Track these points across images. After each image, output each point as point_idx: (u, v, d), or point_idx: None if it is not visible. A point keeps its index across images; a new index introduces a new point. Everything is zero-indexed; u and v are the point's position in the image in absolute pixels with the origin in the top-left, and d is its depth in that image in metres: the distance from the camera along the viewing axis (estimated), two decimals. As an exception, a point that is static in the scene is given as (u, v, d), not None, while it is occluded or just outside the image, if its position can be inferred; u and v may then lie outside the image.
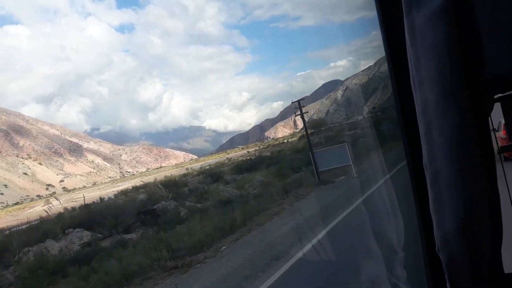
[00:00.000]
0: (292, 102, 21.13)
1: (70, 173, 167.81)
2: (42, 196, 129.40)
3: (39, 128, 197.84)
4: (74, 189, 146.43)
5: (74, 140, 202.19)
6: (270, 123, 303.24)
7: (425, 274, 1.06)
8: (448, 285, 0.79)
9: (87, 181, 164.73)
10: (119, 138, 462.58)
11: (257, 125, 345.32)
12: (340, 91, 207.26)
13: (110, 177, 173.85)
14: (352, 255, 6.17)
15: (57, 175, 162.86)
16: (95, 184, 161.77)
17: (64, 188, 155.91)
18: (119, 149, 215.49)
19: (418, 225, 1.03)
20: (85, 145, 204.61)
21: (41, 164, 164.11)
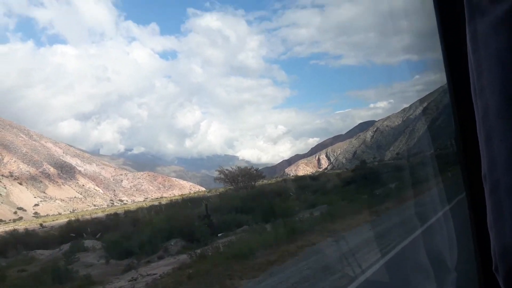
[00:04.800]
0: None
1: (50, 197, 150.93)
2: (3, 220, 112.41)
3: (41, 145, 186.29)
4: (47, 215, 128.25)
5: (73, 160, 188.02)
6: (299, 158, 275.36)
7: None
8: None
9: (66, 208, 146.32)
10: (152, 160, 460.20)
11: (286, 160, 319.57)
12: (370, 132, 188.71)
13: (95, 205, 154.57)
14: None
15: (35, 197, 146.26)
16: (73, 211, 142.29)
17: (35, 213, 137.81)
18: (121, 174, 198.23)
19: (473, 244, 1.00)
20: (85, 166, 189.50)
21: (21, 184, 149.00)
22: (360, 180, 23.57)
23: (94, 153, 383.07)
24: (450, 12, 0.93)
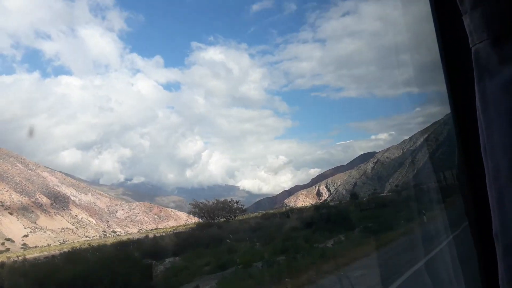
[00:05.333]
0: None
1: (41, 228, 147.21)
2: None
3: (37, 174, 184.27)
4: (35, 247, 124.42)
5: (68, 190, 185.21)
6: (300, 189, 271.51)
7: None
8: None
9: (57, 239, 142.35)
10: (152, 190, 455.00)
11: (286, 190, 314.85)
12: (370, 163, 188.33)
13: (87, 236, 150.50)
14: None
15: (25, 228, 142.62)
16: (63, 243, 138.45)
17: (24, 244, 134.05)
18: (116, 205, 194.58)
19: None
20: (80, 196, 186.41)
21: (11, 214, 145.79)
22: (324, 221, 20.56)
23: (94, 183, 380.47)
24: (455, 44, 0.93)
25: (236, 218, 49.33)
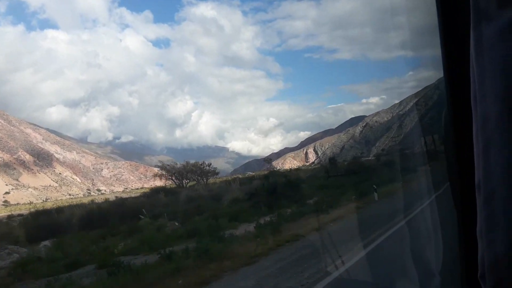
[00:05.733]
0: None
1: (24, 185, 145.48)
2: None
3: (20, 130, 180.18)
4: (17, 204, 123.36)
5: (53, 148, 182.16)
6: (288, 151, 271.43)
7: None
8: None
9: (39, 196, 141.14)
10: (141, 149, 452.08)
11: (275, 153, 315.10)
12: (359, 127, 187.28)
13: (70, 194, 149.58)
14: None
15: (7, 185, 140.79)
16: (46, 200, 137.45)
17: (5, 201, 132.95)
18: (102, 163, 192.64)
19: (459, 249, 1.01)
20: (65, 154, 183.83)
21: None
22: (269, 193, 18.22)
23: (82, 140, 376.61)
24: (454, 12, 0.93)
25: (208, 181, 47.54)
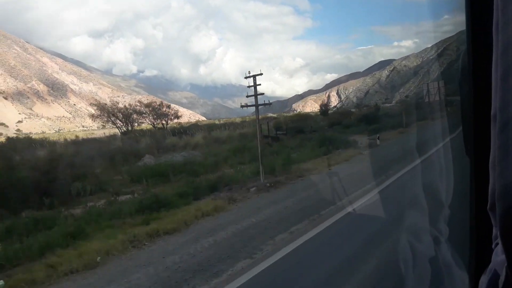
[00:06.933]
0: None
1: (37, 114, 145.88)
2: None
3: (36, 59, 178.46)
4: (30, 133, 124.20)
5: (69, 78, 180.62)
6: (312, 94, 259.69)
7: (469, 233, 1.06)
8: (499, 240, 0.72)
9: (52, 126, 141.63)
10: (165, 84, 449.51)
11: (298, 94, 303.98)
12: (386, 71, 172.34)
13: (84, 126, 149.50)
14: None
15: (19, 114, 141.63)
16: (58, 131, 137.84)
17: (18, 130, 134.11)
18: (118, 96, 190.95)
19: (470, 182, 1.03)
20: (81, 85, 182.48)
21: (6, 98, 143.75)
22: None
23: (107, 72, 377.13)
24: None
25: (169, 125, 41.89)
